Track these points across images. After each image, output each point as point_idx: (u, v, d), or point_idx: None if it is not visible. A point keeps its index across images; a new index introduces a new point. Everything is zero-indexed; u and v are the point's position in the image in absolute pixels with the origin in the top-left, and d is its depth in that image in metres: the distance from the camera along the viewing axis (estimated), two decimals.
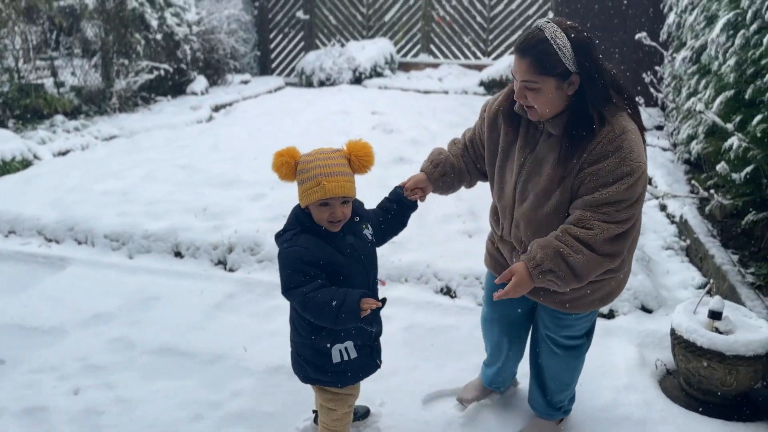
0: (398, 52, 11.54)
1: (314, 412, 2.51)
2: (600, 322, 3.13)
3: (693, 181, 4.54)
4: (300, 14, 12.02)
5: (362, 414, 2.55)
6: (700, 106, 3.35)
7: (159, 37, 9.00)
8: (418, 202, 2.23)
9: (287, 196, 4.01)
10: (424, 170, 2.23)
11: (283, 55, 12.35)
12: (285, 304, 3.54)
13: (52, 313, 3.36)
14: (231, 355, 2.99)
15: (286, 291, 1.95)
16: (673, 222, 4.75)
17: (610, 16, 8.96)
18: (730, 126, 3.26)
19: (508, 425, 2.54)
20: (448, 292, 3.68)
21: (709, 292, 2.92)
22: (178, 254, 4.16)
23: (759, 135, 3.34)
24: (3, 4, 6.86)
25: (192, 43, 9.77)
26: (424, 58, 11.43)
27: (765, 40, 3.20)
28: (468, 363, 2.92)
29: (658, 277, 3.84)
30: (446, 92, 9.74)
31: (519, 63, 1.85)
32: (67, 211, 4.56)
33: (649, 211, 4.90)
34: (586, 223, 1.84)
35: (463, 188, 2.34)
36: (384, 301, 2.18)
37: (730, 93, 3.78)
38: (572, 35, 1.80)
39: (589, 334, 2.30)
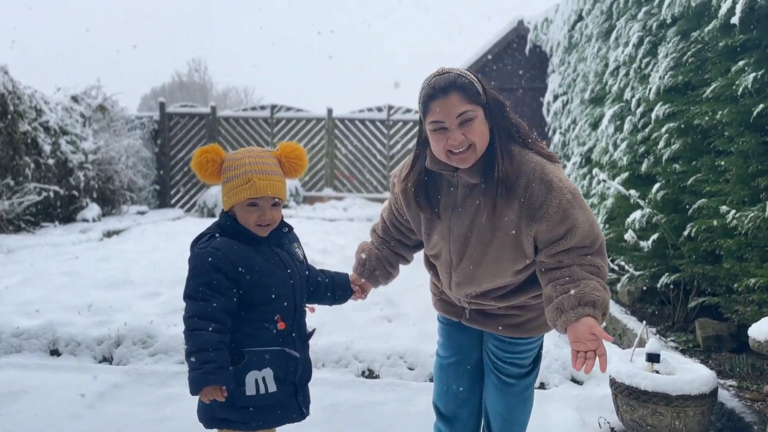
0: (303, 186, 11.72)
1: None
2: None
3: None
4: None
5: None
6: (602, 176, 3.52)
7: (51, 162, 8.59)
8: (358, 301, 2.20)
9: None
10: (355, 271, 2.19)
11: (184, 189, 12.19)
12: (182, 393, 3.07)
13: None
14: None
15: (185, 297, 1.70)
16: None
17: None
18: (633, 191, 3.42)
19: None
20: (370, 374, 3.34)
21: (641, 344, 2.84)
22: (54, 352, 3.56)
23: (660, 203, 3.51)
24: None
25: (87, 170, 9.40)
26: (328, 192, 11.66)
27: (653, 115, 3.49)
28: None
29: None
30: (351, 219, 9.84)
31: (446, 102, 1.73)
32: None
33: None
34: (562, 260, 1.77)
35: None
36: (312, 332, 1.94)
37: (625, 175, 4.03)
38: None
39: (536, 362, 2.13)
